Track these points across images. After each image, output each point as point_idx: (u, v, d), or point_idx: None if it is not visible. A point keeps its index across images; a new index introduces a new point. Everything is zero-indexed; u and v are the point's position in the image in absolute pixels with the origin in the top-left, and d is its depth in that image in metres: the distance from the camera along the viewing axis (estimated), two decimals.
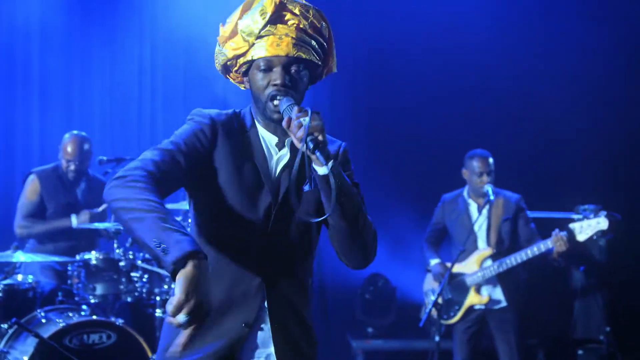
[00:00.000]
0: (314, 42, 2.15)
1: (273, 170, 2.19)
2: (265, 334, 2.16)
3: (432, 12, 7.16)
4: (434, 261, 5.28)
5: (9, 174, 6.61)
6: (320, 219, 2.04)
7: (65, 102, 6.90)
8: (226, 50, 2.17)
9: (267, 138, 2.21)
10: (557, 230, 4.83)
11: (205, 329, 2.08)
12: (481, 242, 5.14)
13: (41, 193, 5.26)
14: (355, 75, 7.35)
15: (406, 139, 7.27)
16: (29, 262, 4.69)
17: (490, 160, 5.16)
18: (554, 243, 4.79)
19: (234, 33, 2.15)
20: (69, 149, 5.27)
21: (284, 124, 2.01)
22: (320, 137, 1.95)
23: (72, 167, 5.27)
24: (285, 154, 2.20)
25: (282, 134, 2.20)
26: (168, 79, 7.14)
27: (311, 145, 1.93)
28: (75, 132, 5.44)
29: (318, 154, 1.94)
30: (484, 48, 7.10)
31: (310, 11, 2.15)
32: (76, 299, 4.63)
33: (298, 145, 1.96)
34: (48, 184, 5.27)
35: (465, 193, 5.27)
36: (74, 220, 5.12)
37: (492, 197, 4.98)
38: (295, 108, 2.01)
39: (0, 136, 6.69)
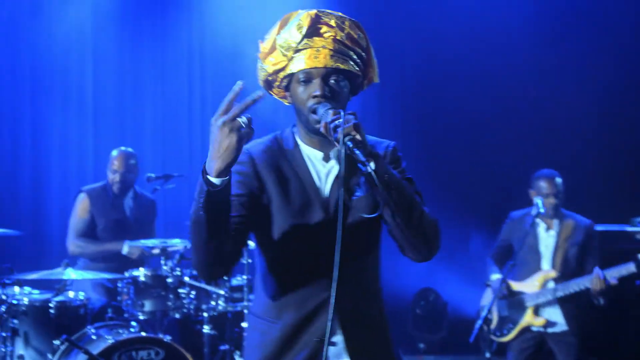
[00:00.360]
0: (351, 53, 2.17)
1: (323, 185, 2.20)
2: (338, 346, 2.17)
3: (488, 16, 7.08)
4: (495, 276, 5.17)
5: (65, 191, 6.71)
6: (371, 216, 2.05)
7: (118, 120, 7.03)
8: (266, 66, 2.21)
9: (312, 154, 2.23)
10: (597, 268, 4.74)
11: (281, 348, 2.15)
12: (545, 263, 5.04)
13: (91, 211, 5.35)
14: (404, 83, 7.34)
15: (458, 149, 7.19)
16: (80, 279, 4.74)
17: (558, 180, 5.05)
18: (591, 282, 4.72)
19: (273, 48, 2.18)
20: (116, 162, 5.40)
21: (321, 129, 2.04)
22: (357, 137, 1.95)
23: (118, 178, 5.36)
24: (333, 166, 2.21)
25: (326, 147, 2.21)
26: (218, 93, 7.20)
27: (350, 145, 1.94)
28: (122, 148, 5.53)
29: (358, 152, 1.94)
30: (539, 59, 6.99)
31: (346, 22, 2.17)
32: (125, 315, 4.66)
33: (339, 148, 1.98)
34: (97, 201, 5.36)
35: (533, 212, 5.15)
36: (125, 248, 5.18)
37: (541, 210, 4.87)
38: (330, 112, 2.03)
39: (56, 155, 6.81)
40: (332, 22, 2.15)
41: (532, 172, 5.27)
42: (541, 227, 5.09)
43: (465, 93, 7.14)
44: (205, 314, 4.75)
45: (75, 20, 6.86)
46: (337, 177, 2.19)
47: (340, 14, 2.18)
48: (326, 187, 2.20)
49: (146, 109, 7.10)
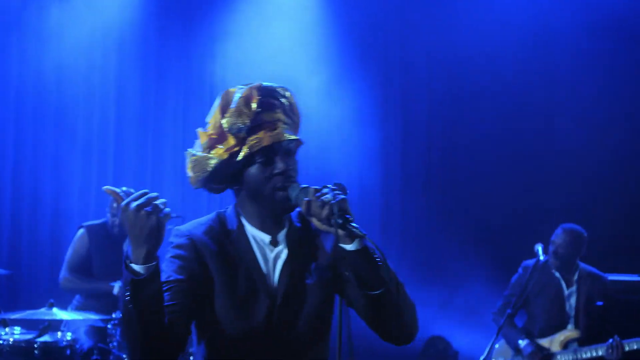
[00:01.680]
0: (295, 122, 2.14)
1: (270, 271, 2.08)
2: None
3: (517, 60, 6.96)
4: (523, 342, 4.86)
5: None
6: (377, 292, 1.93)
7: (139, 163, 7.05)
8: (214, 156, 2.06)
9: (259, 237, 2.11)
10: (616, 337, 4.57)
11: None
12: (570, 323, 4.88)
13: (89, 247, 5.31)
14: (430, 125, 7.26)
15: (477, 194, 7.05)
16: (69, 319, 4.68)
17: (572, 233, 4.92)
18: (606, 351, 4.57)
19: (222, 134, 2.05)
20: (115, 204, 5.34)
21: (303, 209, 1.96)
22: (348, 211, 1.90)
23: (117, 221, 5.33)
24: (282, 250, 2.10)
25: (275, 230, 2.11)
26: None
27: (341, 221, 1.87)
28: (124, 188, 5.47)
29: (352, 227, 1.87)
30: (572, 105, 6.82)
31: (285, 92, 2.13)
32: (111, 357, 4.59)
33: (322, 227, 1.93)
34: (96, 239, 5.33)
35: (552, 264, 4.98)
36: (116, 288, 5.12)
37: (541, 258, 4.70)
38: (311, 189, 1.96)
39: (76, 196, 6.83)
40: (276, 94, 2.09)
41: (546, 220, 5.11)
42: (562, 284, 4.92)
43: (488, 136, 7.02)
44: (190, 358, 4.63)
45: (100, 62, 6.92)
46: (285, 262, 2.08)
47: (276, 84, 2.12)
48: (274, 273, 2.08)
49: (166, 151, 7.10)
